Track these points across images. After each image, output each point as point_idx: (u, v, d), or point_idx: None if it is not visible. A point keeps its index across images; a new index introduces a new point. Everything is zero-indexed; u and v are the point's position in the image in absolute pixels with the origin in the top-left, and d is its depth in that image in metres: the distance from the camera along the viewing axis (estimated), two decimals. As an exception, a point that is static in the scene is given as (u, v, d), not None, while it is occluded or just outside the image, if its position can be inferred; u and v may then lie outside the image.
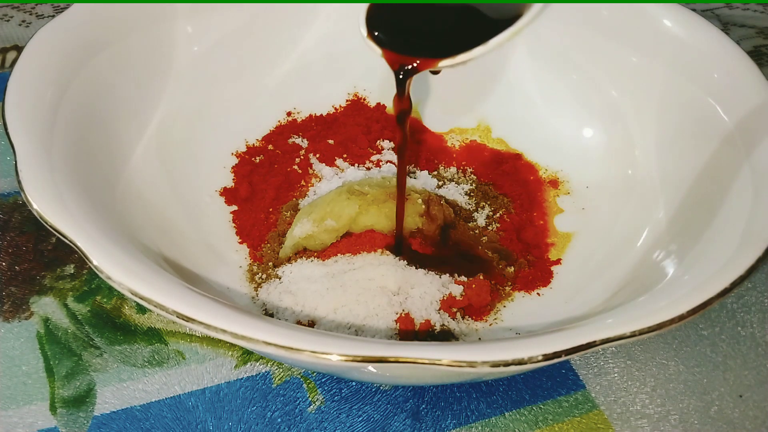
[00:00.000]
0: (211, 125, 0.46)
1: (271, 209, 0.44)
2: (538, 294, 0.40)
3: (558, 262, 0.42)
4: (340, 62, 0.51)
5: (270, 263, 0.40)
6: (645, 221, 0.41)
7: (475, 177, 0.48)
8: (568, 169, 0.47)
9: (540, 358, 0.25)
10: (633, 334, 0.26)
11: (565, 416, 0.37)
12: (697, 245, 0.34)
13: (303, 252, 0.40)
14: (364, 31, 0.33)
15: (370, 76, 0.52)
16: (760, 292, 0.43)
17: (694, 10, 0.42)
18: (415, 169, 0.48)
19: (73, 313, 0.40)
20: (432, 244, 0.41)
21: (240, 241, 0.42)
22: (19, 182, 0.29)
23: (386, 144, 0.49)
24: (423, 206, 0.41)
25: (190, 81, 0.45)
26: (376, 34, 0.33)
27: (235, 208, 0.44)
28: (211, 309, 0.26)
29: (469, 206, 0.45)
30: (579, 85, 0.48)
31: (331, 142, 0.49)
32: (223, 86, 0.47)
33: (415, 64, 0.32)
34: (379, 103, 0.52)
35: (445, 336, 0.37)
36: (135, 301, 0.32)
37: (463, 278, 0.39)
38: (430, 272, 0.38)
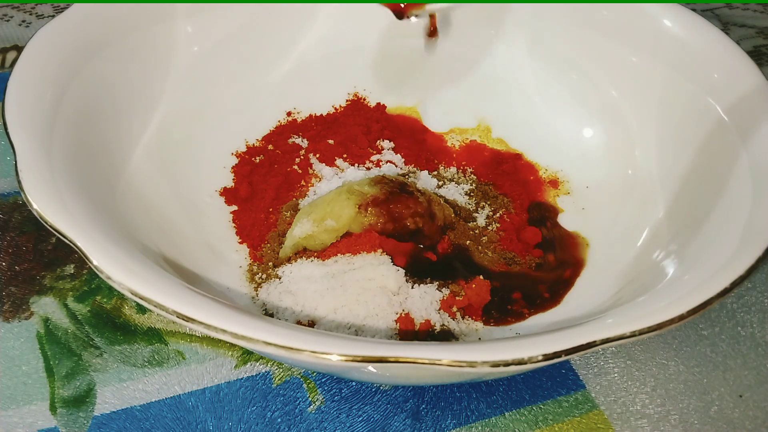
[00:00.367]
0: (211, 125, 0.46)
1: (271, 209, 0.44)
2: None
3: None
4: (340, 62, 0.51)
5: (270, 263, 0.40)
6: (645, 221, 0.41)
7: (475, 177, 0.48)
8: (568, 169, 0.47)
9: (540, 358, 0.25)
10: (633, 334, 0.26)
11: (565, 416, 0.37)
12: (697, 245, 0.34)
13: (303, 252, 0.40)
14: None
15: (370, 76, 0.52)
16: (760, 292, 0.43)
17: (694, 10, 0.42)
18: (415, 169, 0.48)
19: (73, 313, 0.40)
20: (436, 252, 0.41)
21: (240, 241, 0.42)
22: (19, 182, 0.29)
23: (386, 144, 0.49)
24: (423, 206, 0.41)
25: (190, 81, 0.45)
26: None
27: (235, 208, 0.44)
28: (211, 309, 0.26)
29: (469, 206, 0.45)
30: (579, 85, 0.48)
31: (331, 142, 0.49)
32: (223, 86, 0.47)
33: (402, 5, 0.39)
34: (379, 103, 0.52)
35: (445, 336, 0.37)
36: (135, 301, 0.32)
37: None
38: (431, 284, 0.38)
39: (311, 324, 0.36)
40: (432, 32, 0.38)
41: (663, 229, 0.39)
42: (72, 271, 0.42)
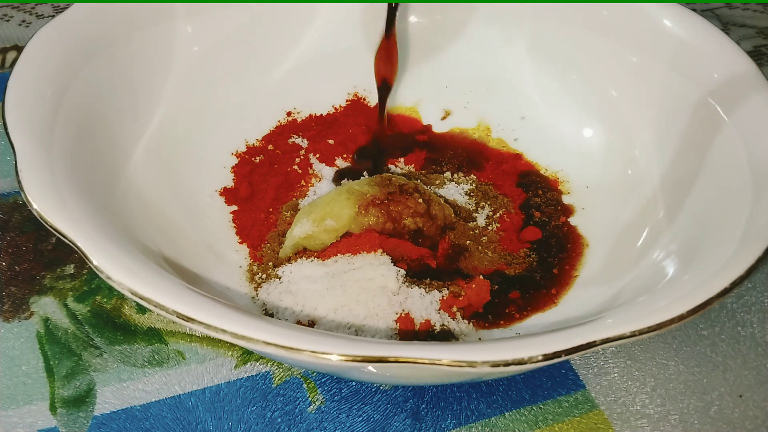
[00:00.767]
0: (211, 125, 0.46)
1: (271, 209, 0.44)
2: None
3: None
4: (340, 62, 0.51)
5: (270, 263, 0.40)
6: (645, 221, 0.41)
7: (475, 177, 0.48)
8: (568, 169, 0.47)
9: (540, 358, 0.25)
10: (633, 334, 0.26)
11: (565, 416, 0.37)
12: (696, 245, 0.34)
13: (303, 252, 0.40)
14: None
15: (370, 76, 0.52)
16: (760, 292, 0.43)
17: (694, 10, 0.42)
18: (415, 169, 0.48)
19: (73, 313, 0.40)
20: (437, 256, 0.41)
21: (240, 241, 0.42)
22: (19, 182, 0.29)
23: (386, 144, 0.49)
24: (423, 206, 0.41)
25: (190, 81, 0.45)
26: None
27: (235, 208, 0.44)
28: (211, 309, 0.26)
29: (469, 206, 0.45)
30: (579, 85, 0.48)
31: (331, 142, 0.49)
32: (223, 86, 0.47)
33: None
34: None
35: (445, 336, 0.37)
36: (135, 301, 0.32)
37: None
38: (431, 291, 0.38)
39: (311, 324, 0.36)
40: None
41: (663, 229, 0.39)
42: (72, 271, 0.42)
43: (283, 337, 0.25)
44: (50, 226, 0.28)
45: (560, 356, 0.25)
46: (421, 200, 0.41)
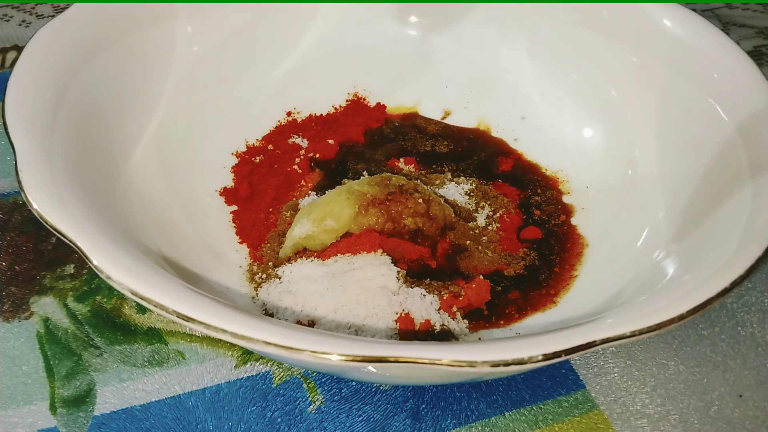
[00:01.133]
0: (211, 125, 0.46)
1: (271, 209, 0.44)
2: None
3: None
4: (340, 62, 0.51)
5: (270, 263, 0.40)
6: (645, 221, 0.41)
7: (475, 177, 0.48)
8: (568, 169, 0.47)
9: (540, 358, 0.25)
10: (633, 334, 0.26)
11: (565, 416, 0.37)
12: (697, 245, 0.34)
13: (303, 252, 0.40)
14: None
15: (370, 76, 0.52)
16: (760, 292, 0.43)
17: (694, 10, 0.42)
18: (415, 169, 0.48)
19: (73, 313, 0.40)
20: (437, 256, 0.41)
21: (240, 241, 0.42)
22: (19, 182, 0.29)
23: (386, 144, 0.49)
24: (423, 206, 0.41)
25: (190, 81, 0.45)
26: None
27: (235, 208, 0.44)
28: (211, 309, 0.26)
29: (469, 206, 0.45)
30: (579, 85, 0.48)
31: (331, 142, 0.49)
32: (223, 86, 0.47)
33: None
34: (379, 103, 0.52)
35: (445, 336, 0.37)
36: (135, 301, 0.32)
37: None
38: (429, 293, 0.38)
39: (311, 324, 0.36)
40: None
41: (663, 229, 0.39)
42: (72, 271, 0.42)
43: (283, 337, 0.25)
44: (50, 226, 0.28)
45: (560, 356, 0.25)
46: (421, 200, 0.41)
